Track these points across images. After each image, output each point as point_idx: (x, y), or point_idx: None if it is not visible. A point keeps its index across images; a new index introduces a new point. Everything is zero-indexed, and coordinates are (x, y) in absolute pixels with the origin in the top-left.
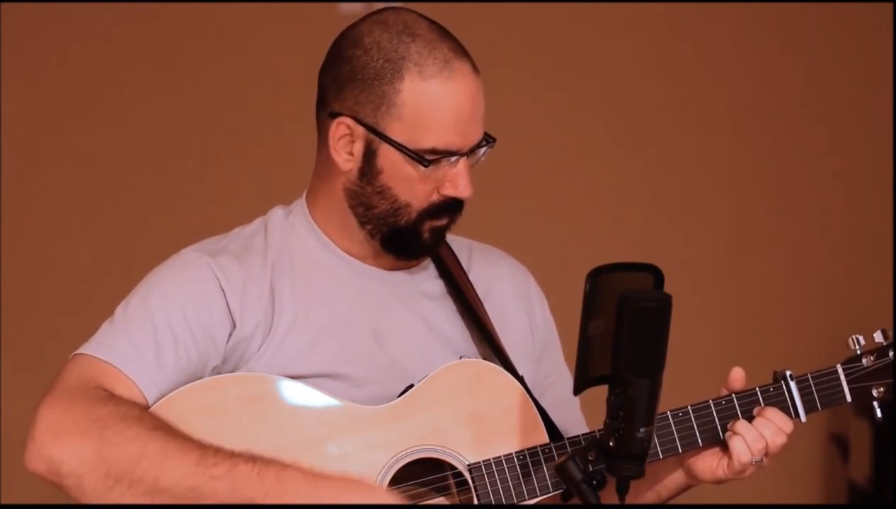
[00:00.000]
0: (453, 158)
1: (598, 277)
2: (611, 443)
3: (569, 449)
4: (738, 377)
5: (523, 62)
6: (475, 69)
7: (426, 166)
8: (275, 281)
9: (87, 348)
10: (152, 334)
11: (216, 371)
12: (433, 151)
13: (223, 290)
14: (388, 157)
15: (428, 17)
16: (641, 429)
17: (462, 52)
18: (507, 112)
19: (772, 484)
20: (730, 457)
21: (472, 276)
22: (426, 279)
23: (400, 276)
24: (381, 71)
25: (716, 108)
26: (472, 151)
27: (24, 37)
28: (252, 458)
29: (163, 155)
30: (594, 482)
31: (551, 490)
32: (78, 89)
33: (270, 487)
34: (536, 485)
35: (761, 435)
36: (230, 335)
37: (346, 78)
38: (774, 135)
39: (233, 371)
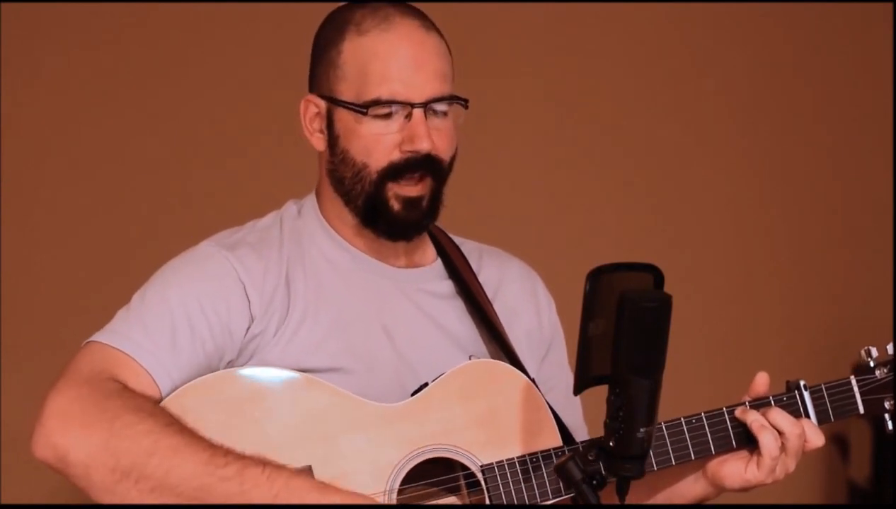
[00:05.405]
0: (395, 107)
1: (598, 277)
2: (611, 443)
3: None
4: (762, 381)
5: (525, 63)
6: (426, 27)
7: (365, 113)
8: (290, 273)
9: (102, 336)
10: (169, 325)
11: (230, 365)
12: (377, 102)
13: (242, 283)
14: (341, 120)
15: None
16: (641, 429)
17: (411, 13)
18: (508, 113)
19: (772, 484)
20: (759, 456)
21: (482, 278)
22: (435, 279)
23: (408, 274)
24: (328, 40)
25: (716, 108)
26: (427, 105)
27: (24, 37)
28: (262, 462)
29: (163, 156)
30: (594, 482)
31: (563, 493)
32: (78, 89)
33: (279, 491)
34: (549, 488)
35: (778, 424)
36: (248, 329)
37: (311, 61)
38: (774, 135)
39: (246, 363)
